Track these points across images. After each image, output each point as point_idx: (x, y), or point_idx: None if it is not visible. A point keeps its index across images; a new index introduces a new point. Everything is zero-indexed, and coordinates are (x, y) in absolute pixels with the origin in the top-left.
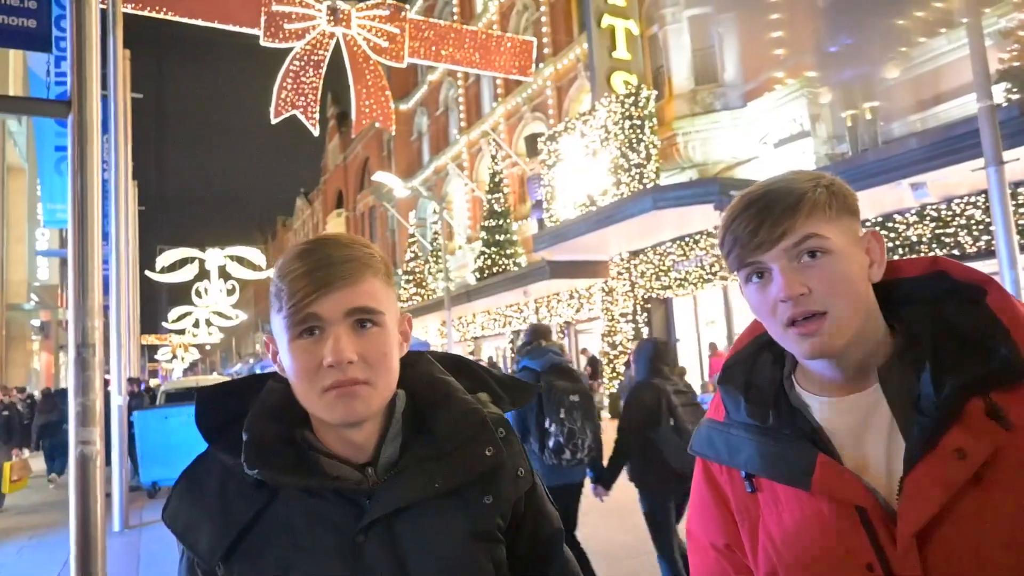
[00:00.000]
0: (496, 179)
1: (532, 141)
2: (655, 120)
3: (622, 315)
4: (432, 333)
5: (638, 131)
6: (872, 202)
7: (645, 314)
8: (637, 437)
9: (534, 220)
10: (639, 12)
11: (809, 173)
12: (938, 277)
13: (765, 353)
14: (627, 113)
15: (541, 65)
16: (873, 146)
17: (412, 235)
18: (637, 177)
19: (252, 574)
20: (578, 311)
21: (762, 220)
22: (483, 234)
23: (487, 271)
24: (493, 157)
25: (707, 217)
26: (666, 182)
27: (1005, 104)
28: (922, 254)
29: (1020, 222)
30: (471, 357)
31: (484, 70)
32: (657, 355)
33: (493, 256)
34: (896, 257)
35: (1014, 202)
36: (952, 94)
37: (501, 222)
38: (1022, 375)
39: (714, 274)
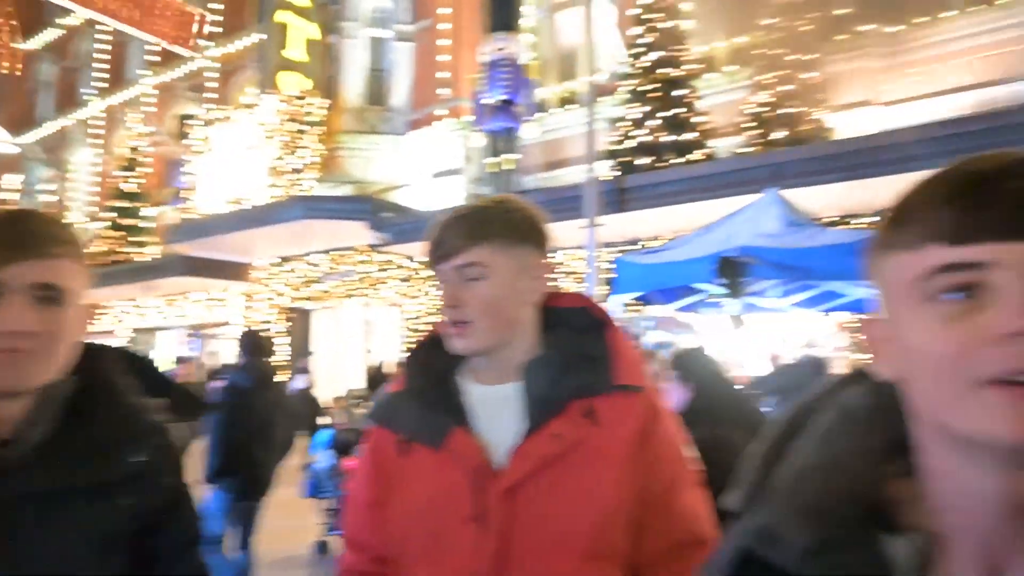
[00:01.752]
0: (133, 156)
1: (184, 123)
2: (322, 129)
3: (263, 323)
4: None
5: (302, 136)
6: None
7: (289, 323)
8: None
9: (173, 209)
10: (321, 17)
11: (510, 203)
12: (583, 312)
13: (441, 344)
14: (293, 116)
15: (210, 43)
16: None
17: (5, 202)
18: (294, 183)
19: None
20: (210, 313)
21: (444, 238)
22: (109, 215)
23: (104, 258)
24: (133, 131)
25: (359, 234)
26: (323, 193)
27: (607, 179)
28: None
29: (603, 275)
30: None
31: (140, 30)
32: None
33: (116, 242)
34: None
35: (604, 259)
36: (573, 161)
37: (132, 205)
38: (610, 388)
39: (356, 291)
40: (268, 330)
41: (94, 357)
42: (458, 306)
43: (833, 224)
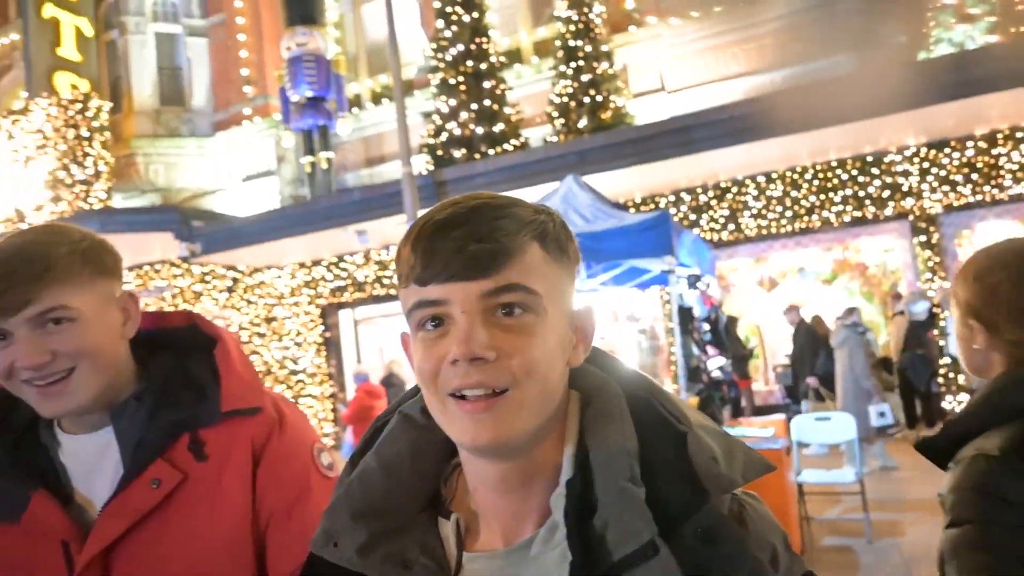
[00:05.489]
0: None
1: None
2: (108, 134)
3: None
4: None
5: (85, 143)
6: (326, 244)
7: None
8: None
9: None
10: (95, 12)
11: (70, 234)
12: (191, 329)
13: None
14: (72, 121)
15: None
16: (327, 193)
17: None
18: (83, 194)
19: None
20: None
21: (5, 287)
22: None
23: None
24: None
25: (168, 245)
26: (122, 204)
27: (424, 173)
28: (368, 293)
29: None
30: None
31: None
32: None
33: None
34: (346, 294)
35: None
36: (392, 156)
37: None
38: (218, 416)
39: (176, 305)
40: None
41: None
42: (47, 360)
43: (636, 206)
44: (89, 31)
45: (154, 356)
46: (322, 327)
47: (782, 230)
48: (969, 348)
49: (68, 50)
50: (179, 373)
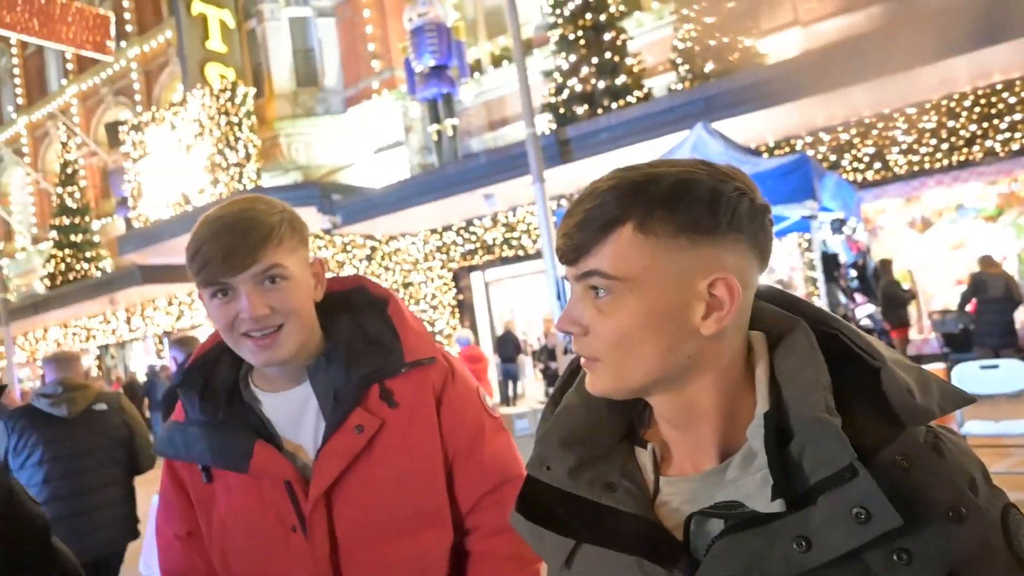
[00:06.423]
0: (69, 170)
1: (115, 129)
2: (254, 118)
3: None
4: None
5: (236, 128)
6: (456, 209)
7: None
8: None
9: (120, 219)
10: (235, 4)
11: (274, 204)
12: (360, 291)
13: (225, 356)
14: (223, 109)
15: (123, 44)
16: (454, 159)
17: None
18: (236, 176)
19: None
20: (179, 319)
21: (233, 247)
22: (54, 234)
23: (61, 277)
24: (64, 144)
25: (312, 219)
26: (270, 183)
27: (547, 132)
28: (497, 255)
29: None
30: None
31: (47, 40)
32: None
33: (68, 260)
34: (476, 257)
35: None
36: (514, 119)
37: (78, 220)
38: (403, 367)
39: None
40: None
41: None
42: (267, 313)
43: (769, 150)
44: (231, 23)
45: (332, 317)
46: (455, 290)
47: (936, 165)
48: None
49: (215, 43)
50: (358, 331)
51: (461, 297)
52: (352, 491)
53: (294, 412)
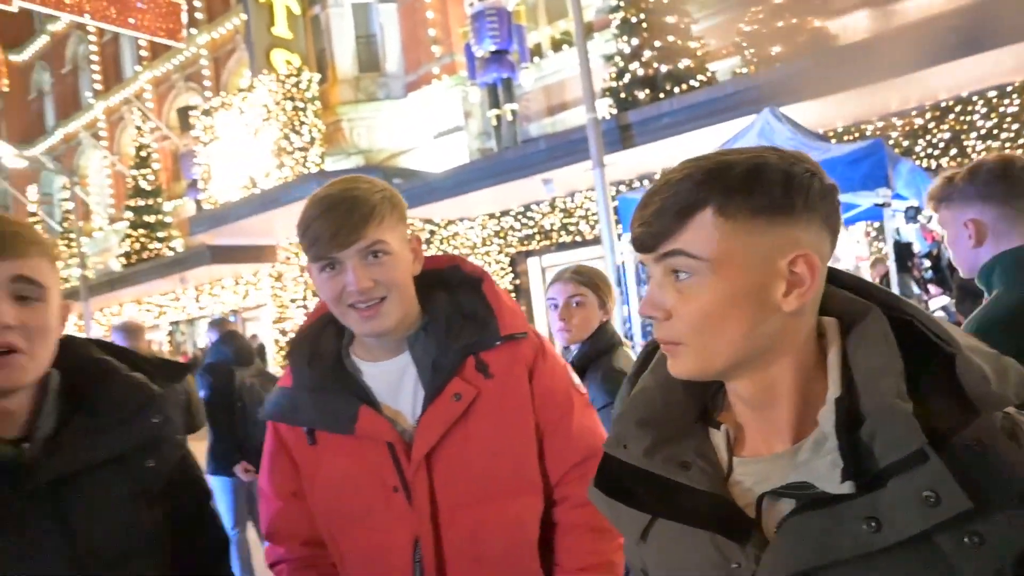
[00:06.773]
0: (143, 153)
1: (186, 114)
2: (318, 103)
3: (292, 301)
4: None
5: (301, 113)
6: (514, 194)
7: (317, 299)
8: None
9: (191, 200)
10: None
11: (375, 183)
12: (455, 269)
13: (329, 327)
14: (289, 94)
15: (194, 31)
16: (513, 144)
17: (34, 213)
18: (301, 160)
19: None
20: (245, 298)
21: (341, 224)
22: (129, 214)
23: (136, 256)
24: (139, 128)
25: None
26: (333, 167)
27: (608, 117)
28: (554, 241)
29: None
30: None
31: (123, 28)
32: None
33: (142, 239)
34: (534, 242)
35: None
36: (574, 103)
37: (151, 202)
38: (497, 340)
39: None
40: (306, 307)
41: (70, 347)
42: (371, 286)
43: (838, 135)
44: (297, 9)
45: (429, 293)
46: (512, 275)
47: (1019, 150)
48: None
49: (281, 29)
50: (455, 306)
51: (518, 282)
52: (451, 455)
53: (393, 381)
